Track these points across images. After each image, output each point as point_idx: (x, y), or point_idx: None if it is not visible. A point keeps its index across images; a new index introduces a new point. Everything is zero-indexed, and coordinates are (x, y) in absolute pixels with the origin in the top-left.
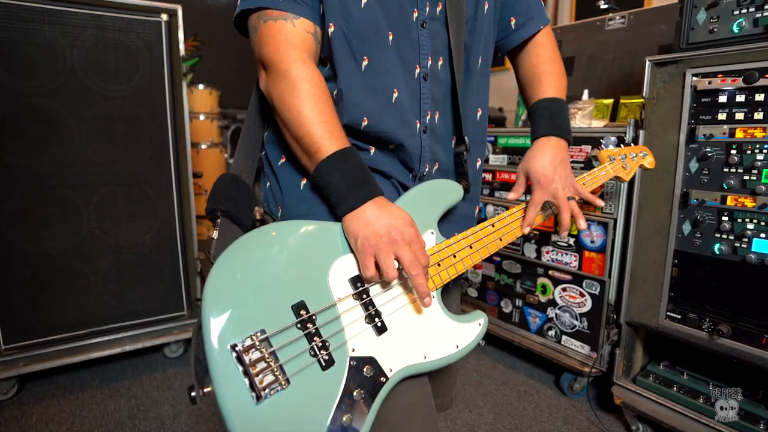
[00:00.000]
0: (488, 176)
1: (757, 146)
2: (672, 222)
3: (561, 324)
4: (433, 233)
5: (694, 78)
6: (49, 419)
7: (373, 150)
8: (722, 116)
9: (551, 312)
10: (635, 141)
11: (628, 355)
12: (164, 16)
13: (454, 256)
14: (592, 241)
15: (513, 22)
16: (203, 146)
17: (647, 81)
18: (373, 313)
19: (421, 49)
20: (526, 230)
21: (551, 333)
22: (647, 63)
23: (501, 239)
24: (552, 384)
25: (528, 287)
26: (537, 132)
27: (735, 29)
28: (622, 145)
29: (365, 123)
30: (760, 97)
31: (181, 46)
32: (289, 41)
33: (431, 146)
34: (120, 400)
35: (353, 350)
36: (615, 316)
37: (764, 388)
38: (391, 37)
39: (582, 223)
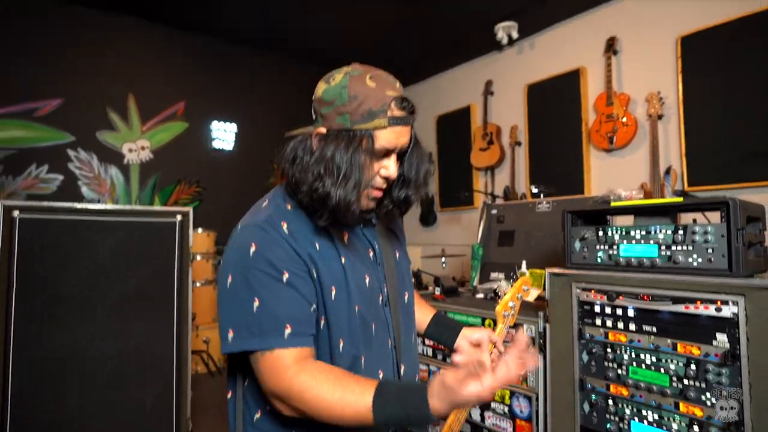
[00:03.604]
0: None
1: (623, 348)
2: (575, 401)
3: None
4: None
5: (577, 290)
6: None
7: None
8: (598, 321)
9: None
10: (544, 331)
11: None
12: (179, 217)
13: None
14: (521, 411)
15: None
16: (198, 284)
17: (548, 286)
18: None
19: (389, 324)
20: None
21: None
22: (546, 273)
23: None
24: None
25: None
26: (458, 327)
27: (599, 259)
28: (510, 281)
29: None
30: (619, 312)
31: (191, 239)
32: (287, 366)
33: None
34: None
35: None
36: None
37: None
38: (374, 327)
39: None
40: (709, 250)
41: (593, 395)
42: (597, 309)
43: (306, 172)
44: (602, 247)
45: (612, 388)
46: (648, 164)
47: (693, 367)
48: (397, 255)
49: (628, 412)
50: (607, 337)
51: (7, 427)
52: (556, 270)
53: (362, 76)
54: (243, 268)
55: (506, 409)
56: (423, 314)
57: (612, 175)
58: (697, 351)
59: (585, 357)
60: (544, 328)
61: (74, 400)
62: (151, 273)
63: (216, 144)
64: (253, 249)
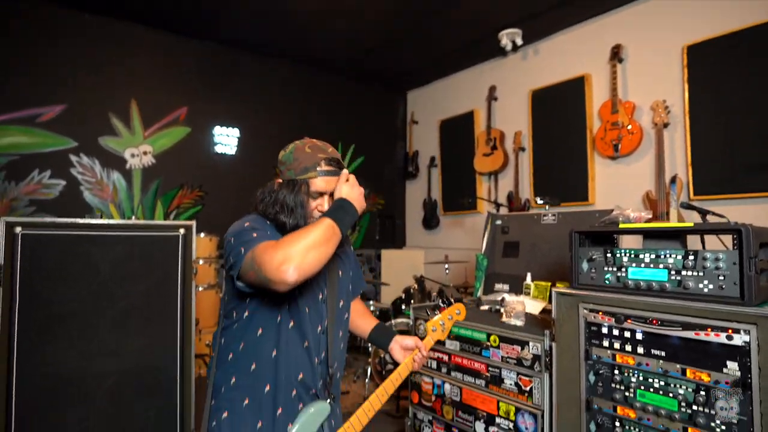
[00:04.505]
0: (445, 357)
1: (631, 371)
2: (582, 422)
3: None
4: None
5: (584, 310)
6: None
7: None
8: (606, 343)
9: None
10: (550, 350)
11: None
12: (182, 231)
13: None
14: (526, 428)
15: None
16: (200, 288)
17: (554, 305)
18: None
19: (323, 315)
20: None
21: None
22: (553, 292)
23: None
24: None
25: None
26: (392, 334)
27: (606, 281)
28: (447, 304)
29: (301, 377)
30: (627, 334)
31: (194, 252)
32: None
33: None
34: None
35: None
36: None
37: None
38: (307, 311)
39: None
40: (721, 277)
41: (599, 416)
42: (605, 331)
43: (267, 207)
44: (610, 268)
45: (619, 410)
46: (653, 172)
47: (702, 393)
48: (340, 273)
49: None
50: (614, 359)
51: None
52: (563, 289)
53: (303, 145)
54: (241, 229)
55: (511, 425)
56: (368, 323)
57: (617, 183)
58: (707, 377)
59: (592, 378)
60: (550, 347)
61: (76, 417)
62: (153, 287)
63: (218, 149)
64: (246, 224)
